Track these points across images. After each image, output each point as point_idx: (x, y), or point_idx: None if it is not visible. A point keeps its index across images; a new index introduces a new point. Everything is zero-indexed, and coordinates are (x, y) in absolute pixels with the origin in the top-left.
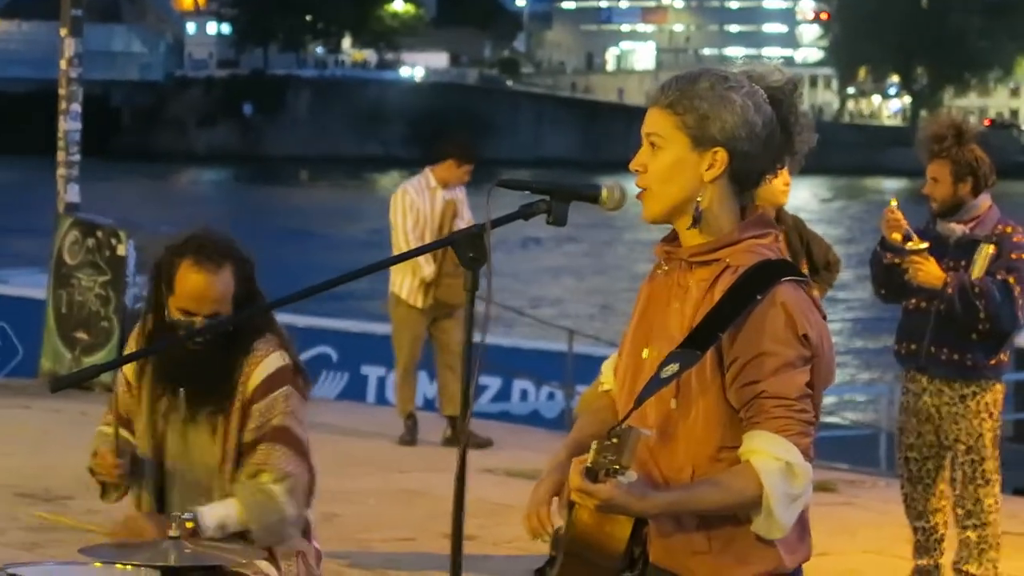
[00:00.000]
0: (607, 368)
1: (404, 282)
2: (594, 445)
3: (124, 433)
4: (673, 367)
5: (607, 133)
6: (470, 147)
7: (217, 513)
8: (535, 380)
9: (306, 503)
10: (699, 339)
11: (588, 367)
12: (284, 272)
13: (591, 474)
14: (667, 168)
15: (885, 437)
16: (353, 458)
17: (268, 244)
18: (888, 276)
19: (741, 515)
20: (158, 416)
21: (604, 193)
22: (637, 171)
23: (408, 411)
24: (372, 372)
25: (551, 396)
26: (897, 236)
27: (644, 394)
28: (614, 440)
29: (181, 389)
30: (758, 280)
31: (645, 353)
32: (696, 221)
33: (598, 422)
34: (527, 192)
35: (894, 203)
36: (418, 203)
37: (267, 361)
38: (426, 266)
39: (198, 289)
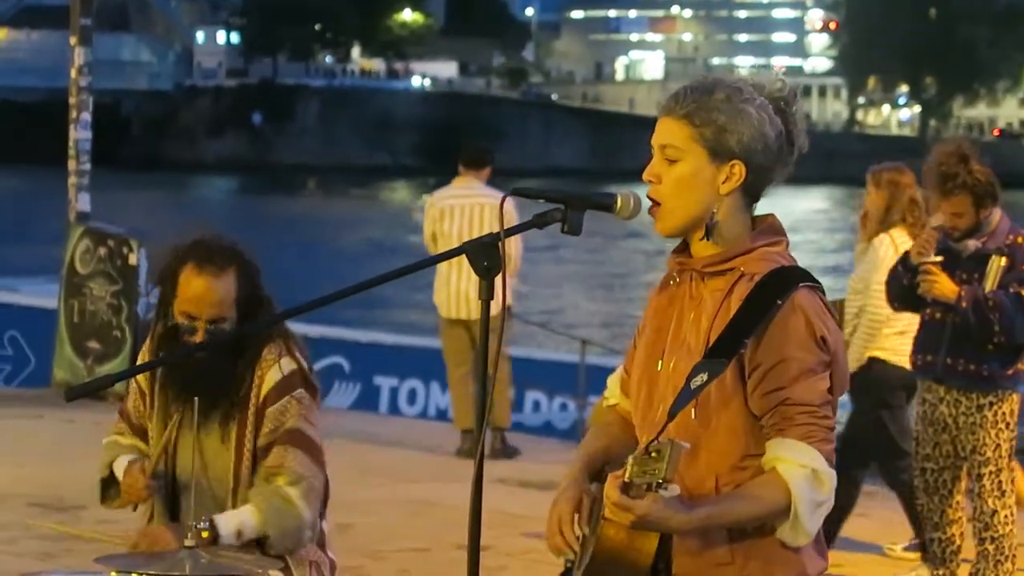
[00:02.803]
0: (613, 383)
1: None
2: (631, 459)
3: (139, 444)
4: (702, 377)
5: (616, 143)
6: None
7: (234, 520)
8: (547, 391)
9: (322, 507)
10: (724, 347)
11: (601, 378)
12: (291, 281)
13: (627, 489)
14: (683, 181)
15: None
16: (366, 469)
17: (276, 253)
18: (903, 292)
19: (767, 525)
20: (171, 425)
21: (619, 201)
22: (650, 181)
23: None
24: (385, 383)
25: (563, 407)
26: (927, 259)
27: (677, 406)
28: (653, 454)
29: (195, 398)
30: (776, 286)
31: (660, 365)
32: (709, 233)
33: (608, 436)
34: (541, 200)
35: (934, 222)
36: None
37: (279, 365)
38: None
39: (199, 293)
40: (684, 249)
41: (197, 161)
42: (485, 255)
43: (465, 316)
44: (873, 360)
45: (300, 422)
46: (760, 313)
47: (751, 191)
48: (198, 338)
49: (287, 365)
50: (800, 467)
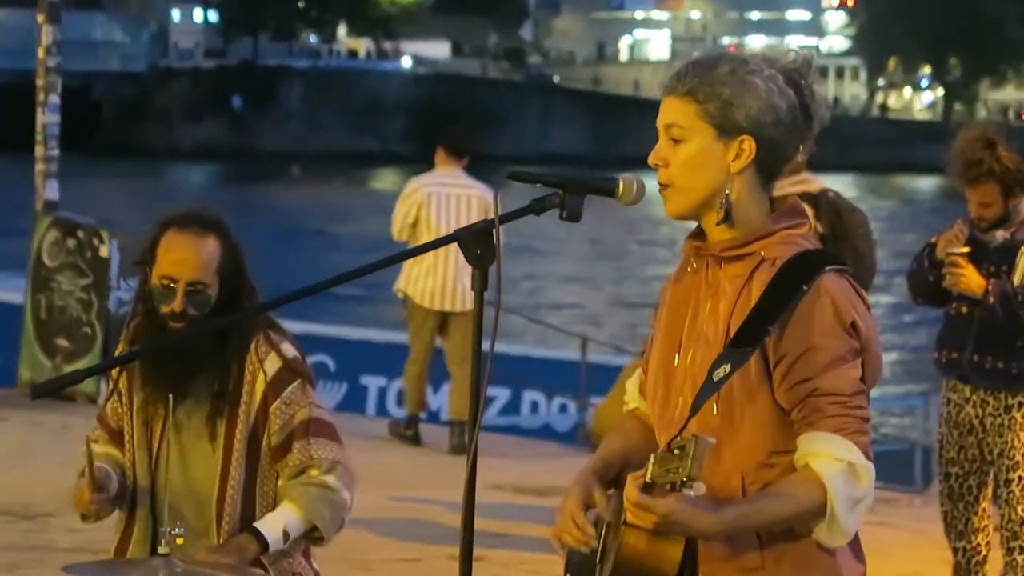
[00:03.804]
0: (632, 385)
1: None
2: (652, 458)
3: (112, 451)
4: (724, 368)
5: (620, 127)
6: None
7: (276, 523)
8: (546, 391)
9: (355, 484)
10: (747, 336)
11: (603, 377)
12: (275, 273)
13: (649, 489)
14: (691, 161)
15: (920, 452)
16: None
17: (259, 244)
18: (928, 287)
19: (800, 526)
20: (152, 424)
21: (621, 186)
22: (657, 166)
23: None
24: (372, 382)
25: (563, 408)
26: (953, 250)
27: (699, 400)
28: (676, 451)
29: (170, 394)
30: (801, 271)
31: (676, 359)
32: (727, 215)
33: (626, 440)
34: (538, 185)
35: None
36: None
37: (272, 357)
38: None
39: (180, 252)
40: (700, 234)
41: (173, 147)
42: (478, 244)
43: (449, 308)
44: None
45: (312, 410)
46: (784, 300)
47: (766, 169)
48: (176, 304)
49: (281, 357)
50: (836, 461)
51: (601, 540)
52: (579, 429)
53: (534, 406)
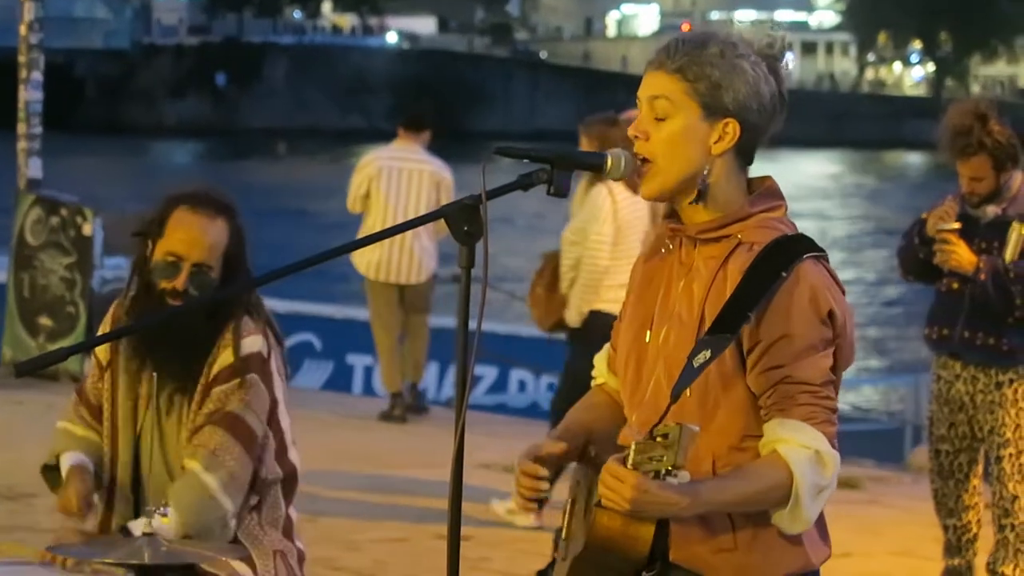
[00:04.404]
0: (600, 360)
1: None
2: (635, 445)
3: (90, 435)
4: (705, 354)
5: (608, 104)
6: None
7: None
8: (534, 370)
9: (290, 494)
10: (726, 322)
11: None
12: (260, 251)
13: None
14: (674, 138)
15: (911, 431)
16: (340, 453)
17: (245, 222)
18: (918, 265)
19: (765, 507)
20: (138, 402)
21: (609, 161)
22: (636, 137)
23: None
24: (358, 361)
25: (551, 387)
26: (943, 226)
27: (679, 386)
28: (659, 439)
29: (153, 373)
30: (780, 257)
31: (648, 336)
32: (701, 196)
33: (592, 413)
34: (526, 161)
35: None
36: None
37: (241, 344)
38: None
39: (191, 231)
40: (675, 214)
41: (157, 125)
42: (465, 219)
43: (403, 280)
44: (595, 313)
45: (242, 407)
46: (763, 286)
47: (744, 152)
48: (179, 282)
49: (249, 346)
50: (803, 448)
51: (565, 519)
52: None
53: (522, 385)
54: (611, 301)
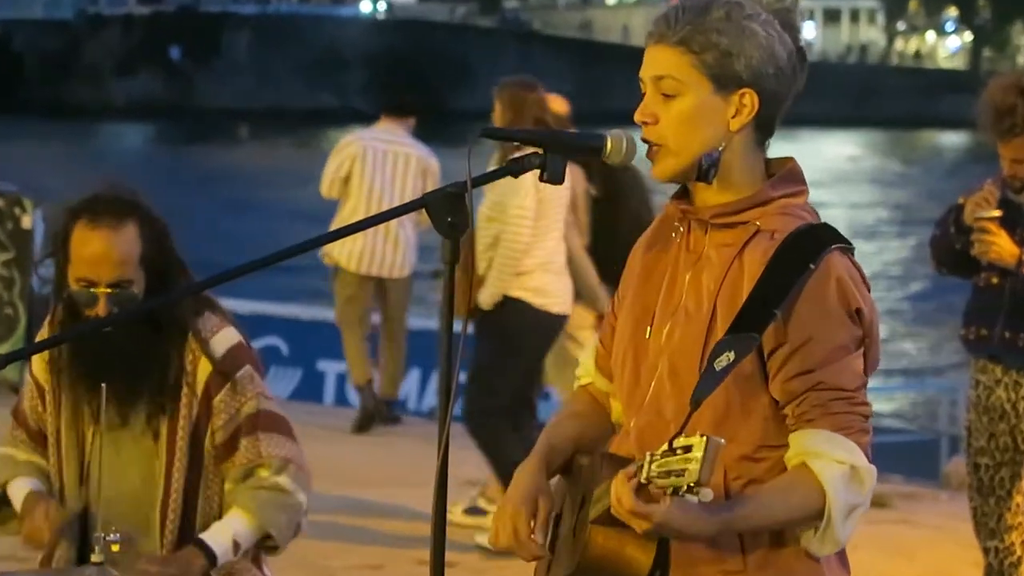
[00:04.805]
0: (586, 359)
1: None
2: (648, 456)
3: (36, 460)
4: (728, 356)
5: (608, 79)
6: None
7: (225, 533)
8: None
9: (310, 484)
10: (750, 320)
11: None
12: (221, 246)
13: (640, 491)
14: (686, 118)
15: (946, 442)
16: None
17: (202, 213)
18: (954, 255)
19: (792, 531)
20: (83, 424)
21: (609, 143)
22: (645, 123)
23: None
24: (330, 368)
25: (545, 396)
26: (982, 213)
27: (700, 393)
28: (679, 451)
29: (103, 386)
30: (806, 247)
31: (649, 332)
32: (704, 174)
33: (577, 422)
34: (516, 144)
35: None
36: None
37: (214, 343)
38: None
39: (95, 251)
40: (685, 194)
41: (105, 105)
42: (449, 209)
43: (385, 273)
44: (511, 300)
45: (260, 402)
46: (790, 279)
47: (763, 125)
48: (100, 309)
49: (224, 341)
50: (837, 464)
51: (546, 538)
52: None
53: None
54: (530, 290)
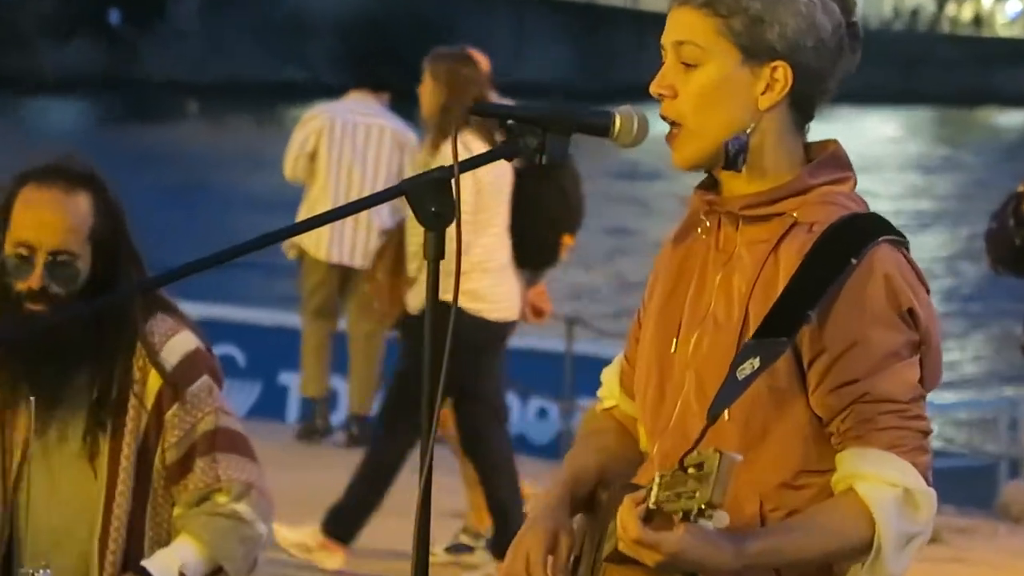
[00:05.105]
0: (610, 378)
1: None
2: (659, 478)
3: None
4: (752, 363)
5: (612, 49)
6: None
7: (169, 562)
8: (519, 390)
9: (272, 513)
10: (780, 323)
11: (594, 372)
12: (169, 240)
13: (651, 518)
14: (709, 91)
15: (1006, 466)
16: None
17: (146, 200)
18: (1014, 251)
19: (836, 565)
20: (10, 440)
21: (618, 122)
22: (662, 96)
23: None
24: (294, 381)
25: (542, 414)
26: None
27: (718, 405)
28: (691, 470)
29: (32, 398)
30: (849, 239)
31: (675, 345)
32: (732, 161)
33: (602, 450)
34: (510, 122)
35: None
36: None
37: (169, 348)
38: None
39: (41, 212)
40: (713, 184)
41: (35, 76)
42: (433, 198)
43: (357, 263)
44: (443, 305)
45: (219, 418)
46: (827, 277)
47: (800, 105)
48: (34, 279)
49: (179, 347)
50: (889, 486)
51: None
52: (564, 441)
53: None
54: (465, 293)
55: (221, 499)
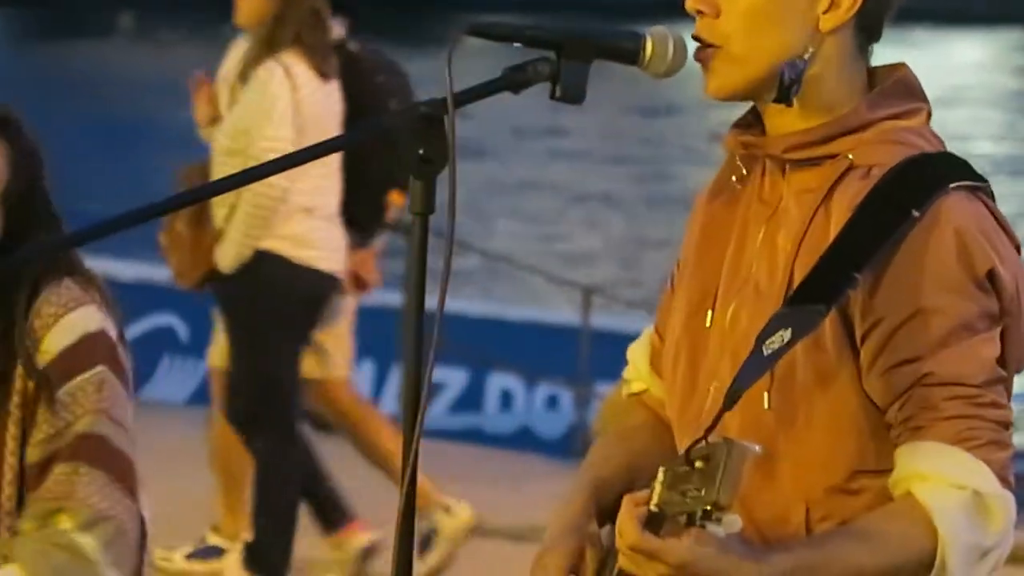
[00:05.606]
0: (639, 356)
1: None
2: (661, 474)
3: None
4: (782, 336)
5: None
6: None
7: None
8: (525, 375)
9: (138, 562)
10: (820, 287)
11: (616, 351)
12: (97, 186)
13: (654, 522)
14: (761, 9)
15: None
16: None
17: (65, 137)
18: None
19: None
20: None
21: (650, 45)
22: (700, 12)
23: None
24: None
25: (552, 402)
26: None
27: (740, 384)
28: (698, 464)
29: None
30: (912, 186)
31: (710, 317)
32: (785, 93)
33: (629, 447)
34: (517, 45)
35: None
36: None
37: (70, 320)
38: None
39: None
40: (754, 123)
41: None
42: (420, 138)
43: None
44: (264, 255)
45: (100, 422)
46: (883, 230)
47: (868, 26)
48: None
49: (84, 322)
50: (954, 489)
51: None
52: (578, 435)
53: (506, 397)
54: (288, 238)
55: (64, 523)
